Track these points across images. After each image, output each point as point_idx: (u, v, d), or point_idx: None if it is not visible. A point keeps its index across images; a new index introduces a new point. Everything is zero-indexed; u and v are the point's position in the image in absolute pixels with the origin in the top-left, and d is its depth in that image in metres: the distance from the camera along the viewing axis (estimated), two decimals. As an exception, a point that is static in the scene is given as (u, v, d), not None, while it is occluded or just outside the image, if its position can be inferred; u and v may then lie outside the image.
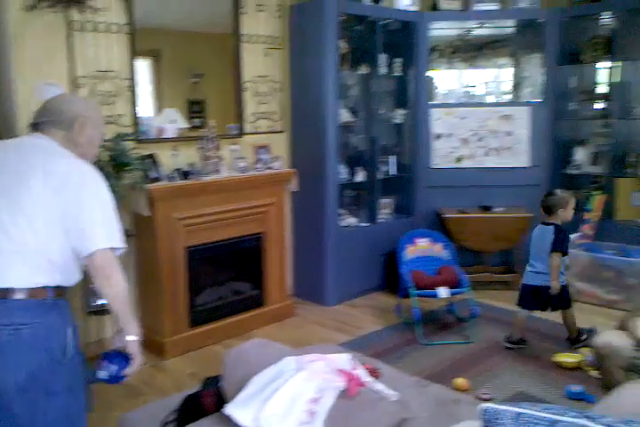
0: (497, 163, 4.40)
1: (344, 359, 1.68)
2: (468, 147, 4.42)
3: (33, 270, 1.55)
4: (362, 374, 1.64)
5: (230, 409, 1.53)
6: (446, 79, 4.78)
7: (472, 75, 4.76)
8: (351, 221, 4.21)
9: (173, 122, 3.46)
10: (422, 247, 3.83)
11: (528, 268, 3.25)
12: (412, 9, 4.35)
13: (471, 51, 4.73)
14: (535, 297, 3.22)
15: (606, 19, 4.34)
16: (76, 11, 2.99)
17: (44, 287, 1.56)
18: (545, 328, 3.58)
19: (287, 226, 4.03)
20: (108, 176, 1.99)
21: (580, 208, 4.35)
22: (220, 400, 1.72)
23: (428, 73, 4.47)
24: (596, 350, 2.34)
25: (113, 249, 1.61)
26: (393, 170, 4.47)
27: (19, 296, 1.52)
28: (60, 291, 1.62)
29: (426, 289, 3.44)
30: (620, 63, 4.12)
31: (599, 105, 4.45)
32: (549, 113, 4.39)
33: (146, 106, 3.36)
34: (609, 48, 4.20)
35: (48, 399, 1.56)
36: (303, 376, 1.51)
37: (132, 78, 3.24)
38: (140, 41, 3.23)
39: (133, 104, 3.26)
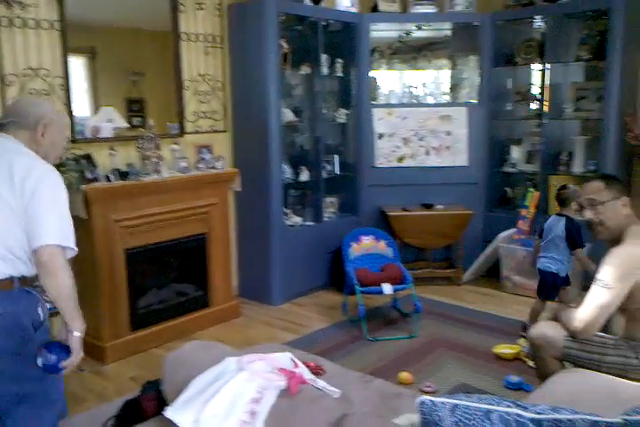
0: (437, 162, 4.51)
1: (285, 358, 1.68)
2: (409, 146, 4.50)
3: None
4: (303, 372, 1.65)
5: (170, 412, 1.50)
6: (388, 80, 4.87)
7: (413, 76, 4.86)
8: (296, 220, 4.22)
9: (110, 121, 3.37)
10: (366, 245, 3.88)
11: (541, 253, 3.33)
12: (352, 10, 4.40)
13: (411, 52, 4.83)
14: (546, 283, 3.31)
15: (538, 22, 4.52)
16: (2, 6, 2.87)
17: (10, 278, 1.64)
18: (483, 320, 3.69)
19: (231, 226, 3.99)
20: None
21: (516, 205, 4.55)
22: (161, 404, 1.69)
23: (371, 73, 4.54)
24: (530, 341, 2.42)
25: (62, 247, 1.65)
26: (337, 169, 4.51)
27: None
28: (25, 280, 1.69)
29: (371, 286, 3.48)
30: (550, 65, 4.29)
31: (534, 105, 4.62)
32: (486, 113, 4.53)
33: (81, 105, 3.26)
34: (541, 51, 4.37)
35: (24, 380, 1.68)
36: (244, 377, 1.50)
37: (65, 76, 3.13)
38: (74, 38, 3.13)
39: (67, 103, 3.15)
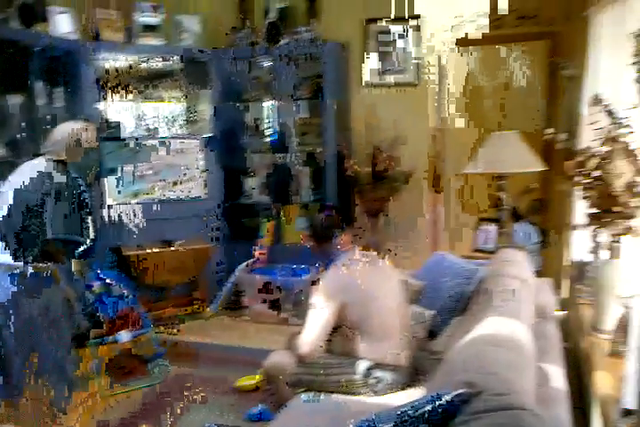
0: (175, 196, 4.43)
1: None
2: (144, 181, 4.33)
3: None
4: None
5: None
6: (118, 111, 4.64)
7: (145, 108, 4.71)
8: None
9: None
10: (100, 290, 3.57)
11: None
12: (72, 37, 4.11)
13: (141, 83, 4.69)
14: None
15: (264, 62, 4.80)
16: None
17: None
18: (228, 354, 3.68)
19: None
20: None
21: (254, 235, 4.69)
22: None
23: (99, 104, 4.28)
24: (264, 372, 2.47)
25: None
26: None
27: None
28: None
29: (106, 335, 3.21)
30: (277, 102, 4.58)
31: (267, 139, 4.85)
32: (220, 146, 4.62)
33: None
34: (269, 88, 4.64)
35: None
36: None
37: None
38: None
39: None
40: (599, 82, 2.83)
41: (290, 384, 2.41)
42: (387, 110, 4.65)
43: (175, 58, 4.67)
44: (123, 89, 4.56)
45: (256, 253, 4.32)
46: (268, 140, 4.73)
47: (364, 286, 2.32)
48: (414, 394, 2.08)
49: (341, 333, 2.39)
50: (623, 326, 1.90)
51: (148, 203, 4.33)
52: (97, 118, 4.24)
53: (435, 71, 4.55)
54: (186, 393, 3.14)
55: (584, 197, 2.24)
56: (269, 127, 4.73)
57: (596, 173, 2.15)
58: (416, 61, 4.58)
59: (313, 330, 2.28)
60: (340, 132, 4.53)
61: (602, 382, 1.80)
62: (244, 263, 4.35)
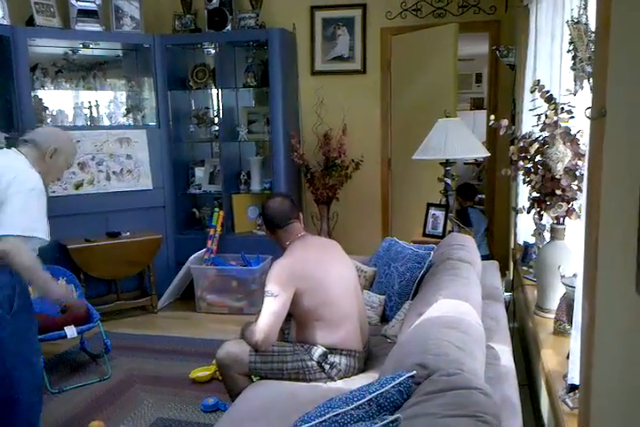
0: (120, 187, 4.30)
1: None
2: (86, 171, 4.19)
3: None
4: None
5: None
6: (58, 100, 4.45)
7: (86, 96, 4.54)
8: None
9: None
10: (43, 285, 3.45)
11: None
12: (3, 22, 3.90)
13: (80, 71, 4.51)
14: None
15: (208, 48, 4.70)
16: None
17: None
18: (181, 346, 3.63)
19: None
20: None
21: (204, 225, 4.62)
22: None
23: (36, 93, 4.10)
24: (218, 362, 2.44)
25: (23, 237, 2.12)
26: None
27: None
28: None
29: (52, 331, 3.10)
30: (222, 90, 4.48)
31: (214, 128, 4.76)
32: (166, 136, 4.51)
33: None
34: (213, 76, 4.54)
35: None
36: None
37: None
38: None
39: None
40: (539, 69, 2.91)
41: (245, 373, 2.40)
42: (335, 98, 4.65)
43: (117, 45, 4.52)
44: (61, 77, 4.38)
45: (208, 244, 4.26)
46: (216, 128, 4.65)
47: (317, 273, 2.33)
48: (368, 378, 2.11)
49: (296, 319, 2.39)
50: (566, 306, 1.98)
51: (92, 194, 4.19)
52: (34, 107, 4.08)
53: (379, 58, 4.59)
54: (138, 387, 3.08)
55: (527, 182, 2.31)
56: (216, 116, 4.64)
57: (538, 158, 2.22)
58: (362, 49, 4.59)
59: (268, 318, 2.28)
60: (289, 120, 4.50)
61: (547, 359, 1.87)
62: (196, 253, 4.29)
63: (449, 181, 3.51)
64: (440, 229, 3.56)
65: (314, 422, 1.41)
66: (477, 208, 4.87)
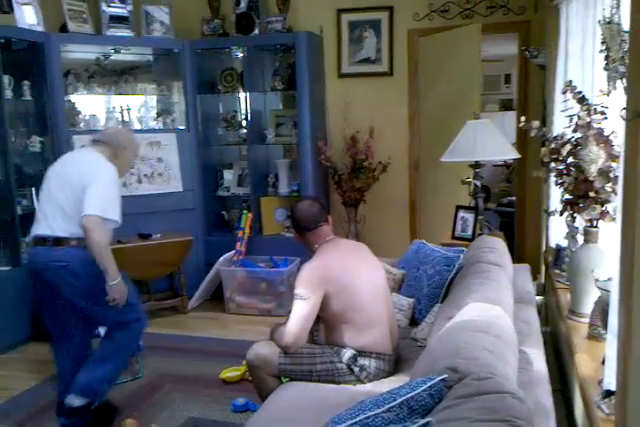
0: (151, 189, 4.37)
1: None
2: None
3: (74, 227, 2.53)
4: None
5: None
6: (89, 104, 4.55)
7: (117, 100, 4.64)
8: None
9: None
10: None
11: None
12: (38, 29, 4.01)
13: (112, 76, 4.61)
14: None
15: (236, 52, 4.74)
16: None
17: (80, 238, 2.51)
18: (210, 346, 3.67)
19: None
20: None
21: (233, 227, 4.67)
22: None
23: (69, 97, 4.20)
24: (248, 363, 2.46)
25: (101, 218, 2.51)
26: (36, 203, 4.01)
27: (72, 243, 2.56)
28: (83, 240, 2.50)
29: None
30: (250, 94, 4.52)
31: (242, 131, 4.81)
32: (195, 139, 4.57)
33: None
34: (241, 79, 4.59)
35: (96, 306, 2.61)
36: None
37: None
38: None
39: None
40: (570, 70, 2.87)
41: (275, 375, 2.42)
42: (362, 100, 4.65)
43: (147, 50, 4.60)
44: (94, 82, 4.48)
45: (237, 246, 4.30)
46: (244, 131, 4.69)
47: (346, 277, 2.33)
48: (398, 381, 2.11)
49: (325, 322, 2.40)
50: (600, 310, 1.95)
51: (124, 197, 4.23)
52: (67, 112, 4.17)
53: (407, 60, 4.57)
54: (169, 386, 3.12)
55: (559, 184, 2.27)
56: (244, 119, 4.68)
57: (570, 160, 2.19)
58: (389, 51, 4.58)
59: (298, 320, 2.29)
60: (316, 123, 4.51)
61: (581, 364, 1.85)
62: (225, 255, 4.33)
63: (478, 182, 3.48)
64: (469, 232, 3.53)
65: (345, 424, 1.41)
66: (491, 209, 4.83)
